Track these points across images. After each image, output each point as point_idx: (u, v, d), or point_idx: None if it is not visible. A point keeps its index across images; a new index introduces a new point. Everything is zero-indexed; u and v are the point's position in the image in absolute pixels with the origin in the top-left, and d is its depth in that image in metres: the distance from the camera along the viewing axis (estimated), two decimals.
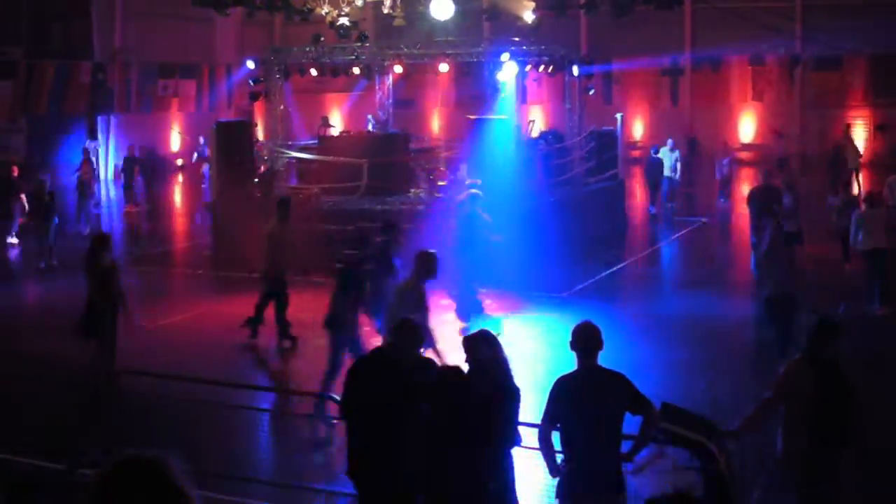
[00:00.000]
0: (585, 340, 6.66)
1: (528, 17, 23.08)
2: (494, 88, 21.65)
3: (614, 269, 19.30)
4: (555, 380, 6.78)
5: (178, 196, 33.81)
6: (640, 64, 36.17)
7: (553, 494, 6.85)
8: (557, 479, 6.74)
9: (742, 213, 26.29)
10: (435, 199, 19.96)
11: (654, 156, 26.68)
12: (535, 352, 13.10)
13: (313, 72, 24.38)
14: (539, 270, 17.17)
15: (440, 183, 21.30)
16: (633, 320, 15.06)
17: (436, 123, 39.60)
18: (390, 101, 27.00)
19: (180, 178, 35.78)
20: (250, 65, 24.89)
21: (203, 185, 32.85)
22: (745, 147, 38.00)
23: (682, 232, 23.71)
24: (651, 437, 6.95)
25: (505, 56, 21.27)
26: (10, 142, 34.58)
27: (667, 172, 26.06)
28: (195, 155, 32.87)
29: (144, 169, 29.80)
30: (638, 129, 38.88)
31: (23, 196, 22.65)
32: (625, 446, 6.76)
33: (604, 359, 6.72)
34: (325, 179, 21.10)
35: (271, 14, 27.56)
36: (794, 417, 7.16)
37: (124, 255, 21.49)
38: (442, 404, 6.62)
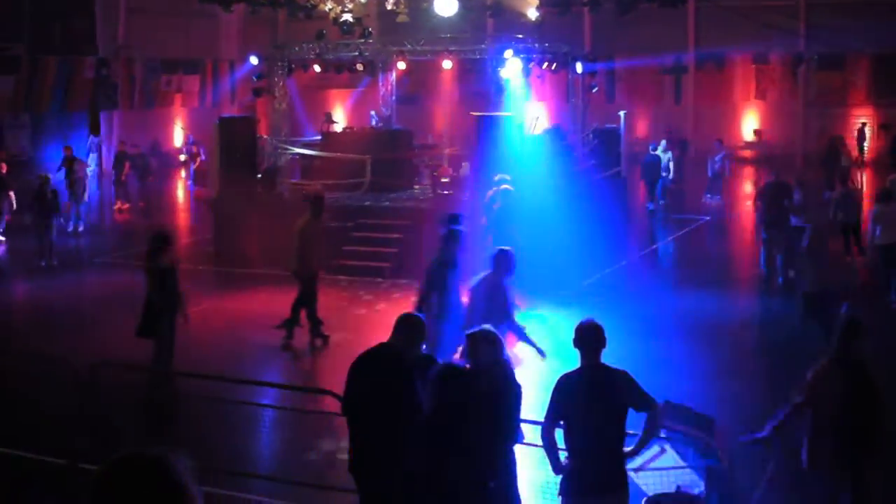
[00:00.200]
0: (588, 338, 6.67)
1: (532, 14, 23.05)
2: (498, 85, 21.66)
3: (616, 266, 19.27)
4: (558, 377, 6.78)
5: (171, 193, 33.56)
6: (643, 62, 36.13)
7: (556, 492, 6.85)
8: (560, 476, 6.74)
9: (741, 211, 26.32)
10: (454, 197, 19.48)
11: (651, 153, 26.71)
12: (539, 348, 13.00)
13: (317, 68, 24.39)
14: (554, 265, 16.99)
15: (443, 180, 21.28)
16: (634, 319, 15.01)
17: (439, 120, 39.56)
18: (394, 97, 27.01)
19: (183, 174, 35.67)
20: (254, 61, 24.89)
21: (188, 182, 32.81)
22: (748, 145, 38.01)
23: (682, 232, 23.70)
24: (654, 435, 6.94)
25: (508, 53, 21.27)
26: (15, 137, 34.61)
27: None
28: (182, 152, 32.67)
29: (136, 165, 29.19)
30: (641, 127, 38.83)
31: (11, 193, 22.32)
32: (628, 443, 6.75)
33: (607, 356, 6.72)
34: (329, 176, 21.07)
35: (275, 10, 27.49)
36: (823, 420, 7.11)
37: (113, 253, 21.39)
38: (443, 401, 6.61)
